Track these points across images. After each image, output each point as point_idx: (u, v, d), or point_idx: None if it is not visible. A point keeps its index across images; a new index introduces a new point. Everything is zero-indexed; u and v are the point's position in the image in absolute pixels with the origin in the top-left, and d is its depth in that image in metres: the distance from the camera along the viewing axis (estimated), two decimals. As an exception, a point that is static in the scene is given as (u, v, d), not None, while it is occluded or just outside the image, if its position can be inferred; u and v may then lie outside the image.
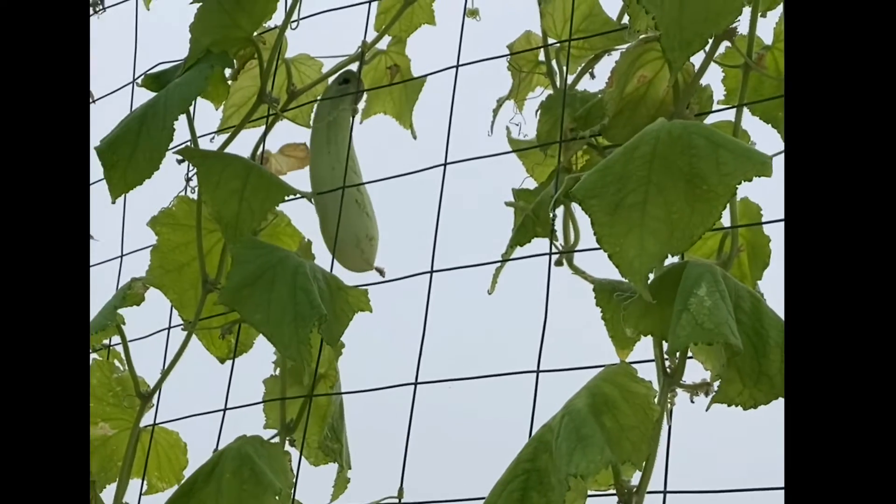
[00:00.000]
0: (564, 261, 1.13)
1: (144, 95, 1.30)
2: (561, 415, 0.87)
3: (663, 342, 0.89)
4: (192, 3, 1.26)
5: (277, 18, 1.27)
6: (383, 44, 1.37)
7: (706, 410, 0.88)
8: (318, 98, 1.34)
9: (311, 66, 1.35)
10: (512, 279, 1.15)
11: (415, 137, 1.40)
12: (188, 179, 1.23)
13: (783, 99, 0.93)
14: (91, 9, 1.70)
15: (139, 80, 1.34)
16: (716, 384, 0.89)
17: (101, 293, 1.41)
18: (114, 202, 1.21)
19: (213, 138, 1.35)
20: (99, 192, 1.46)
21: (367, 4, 1.31)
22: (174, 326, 1.32)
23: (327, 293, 1.15)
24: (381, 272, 1.18)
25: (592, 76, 1.20)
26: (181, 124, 1.17)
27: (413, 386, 1.11)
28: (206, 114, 1.37)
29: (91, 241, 1.52)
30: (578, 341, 1.17)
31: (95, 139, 1.27)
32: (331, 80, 1.32)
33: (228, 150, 1.28)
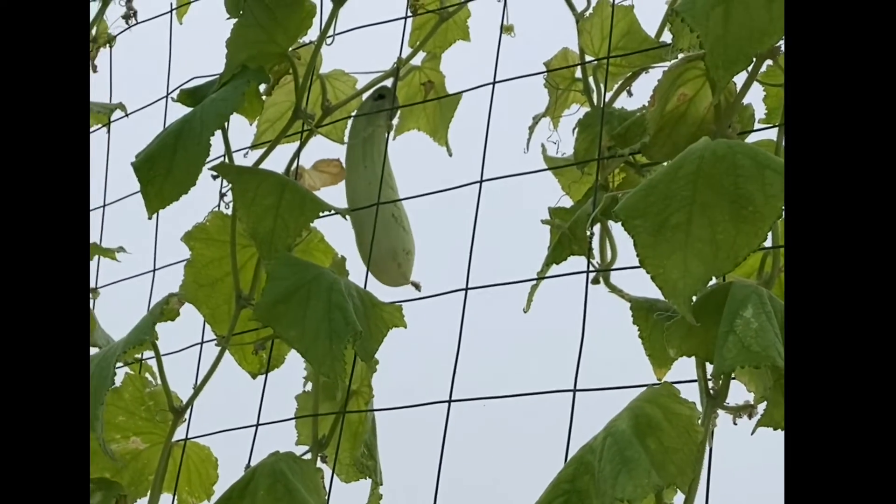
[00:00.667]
0: (601, 279, 1.12)
1: (177, 109, 1.30)
2: (603, 436, 0.86)
3: (706, 363, 0.88)
4: (228, 18, 1.26)
5: (311, 34, 1.28)
6: (417, 59, 1.37)
7: (752, 434, 0.87)
8: (353, 114, 1.34)
9: (345, 81, 1.35)
10: (548, 297, 1.15)
11: (450, 154, 1.40)
12: (222, 195, 1.23)
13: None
14: (125, 20, 1.71)
15: (173, 95, 1.34)
16: (760, 406, 0.88)
17: (134, 307, 1.41)
18: (150, 217, 1.20)
19: (246, 153, 1.35)
20: (131, 207, 1.47)
21: (403, 21, 1.31)
22: (207, 341, 1.32)
23: (362, 309, 1.14)
24: (416, 286, 1.17)
25: (630, 94, 1.20)
26: (216, 139, 1.17)
27: (447, 403, 1.10)
28: (239, 128, 1.37)
29: (124, 254, 1.54)
30: (615, 360, 1.16)
31: (128, 153, 1.27)
32: (365, 96, 1.32)
33: (262, 165, 1.28)
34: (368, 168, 1.26)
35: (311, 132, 1.28)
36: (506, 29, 1.28)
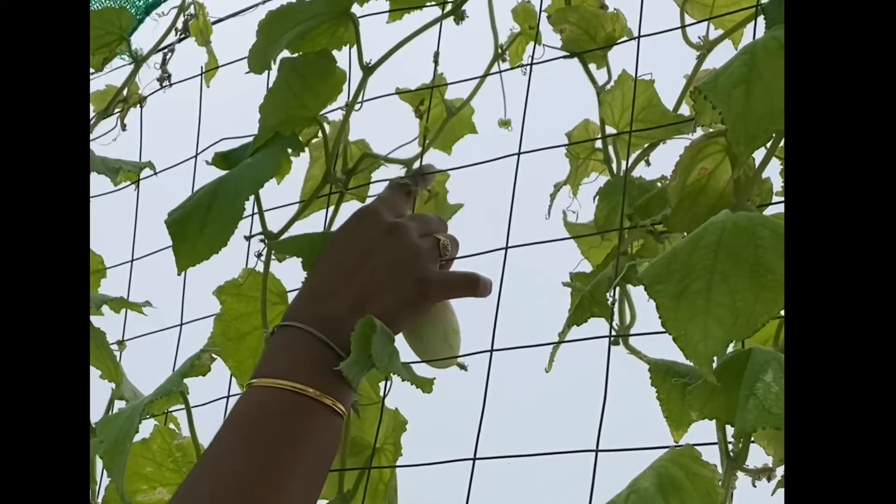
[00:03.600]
0: (620, 340, 1.16)
1: (206, 169, 1.35)
2: (626, 494, 0.89)
3: (727, 426, 0.92)
4: (247, 72, 1.29)
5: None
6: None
7: (771, 495, 0.90)
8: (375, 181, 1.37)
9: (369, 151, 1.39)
10: (570, 358, 1.19)
11: None
12: (259, 255, 1.26)
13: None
14: (159, 83, 1.77)
15: (206, 158, 1.38)
16: (779, 469, 0.91)
17: (161, 360, 1.45)
18: (179, 274, 1.23)
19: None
20: (159, 264, 1.51)
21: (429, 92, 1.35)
22: (234, 395, 1.35)
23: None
24: (463, 367, 1.17)
25: (647, 163, 1.25)
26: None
27: (472, 461, 1.14)
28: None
29: (152, 308, 1.58)
30: (635, 419, 1.19)
31: (156, 210, 1.31)
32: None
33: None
34: None
35: (342, 195, 1.31)
36: (502, 123, 1.34)
